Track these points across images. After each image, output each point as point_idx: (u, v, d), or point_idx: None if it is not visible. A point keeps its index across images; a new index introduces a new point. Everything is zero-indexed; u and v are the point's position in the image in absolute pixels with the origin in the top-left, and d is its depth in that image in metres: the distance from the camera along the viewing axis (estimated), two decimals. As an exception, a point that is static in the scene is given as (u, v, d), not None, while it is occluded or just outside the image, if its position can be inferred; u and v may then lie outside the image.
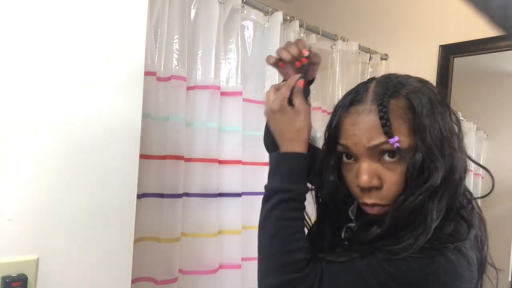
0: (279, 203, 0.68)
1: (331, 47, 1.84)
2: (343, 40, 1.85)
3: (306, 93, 0.88)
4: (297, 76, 0.75)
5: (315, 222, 0.76)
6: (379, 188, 0.62)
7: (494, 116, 1.71)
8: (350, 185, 0.67)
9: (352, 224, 0.72)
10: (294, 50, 0.76)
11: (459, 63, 1.79)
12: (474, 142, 1.74)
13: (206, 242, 1.31)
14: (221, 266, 1.36)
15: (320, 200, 0.74)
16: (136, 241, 1.19)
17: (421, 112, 0.60)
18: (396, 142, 0.59)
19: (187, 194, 1.31)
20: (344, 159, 0.67)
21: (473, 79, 1.80)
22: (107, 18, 0.83)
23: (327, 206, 0.74)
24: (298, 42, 0.78)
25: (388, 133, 0.59)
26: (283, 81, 0.81)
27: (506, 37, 1.57)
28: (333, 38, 1.82)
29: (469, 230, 0.59)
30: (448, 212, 0.60)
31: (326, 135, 0.69)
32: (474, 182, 1.61)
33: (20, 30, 0.73)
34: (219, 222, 1.35)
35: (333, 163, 0.69)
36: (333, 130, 0.67)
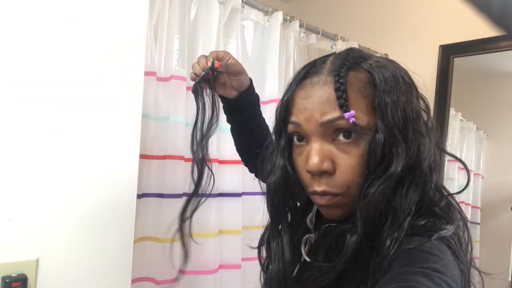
0: None
1: (331, 47, 1.84)
2: (343, 40, 1.85)
3: (243, 104, 0.83)
4: None
5: (267, 231, 0.67)
6: (331, 173, 0.53)
7: (494, 116, 1.71)
8: (300, 172, 0.58)
9: (311, 235, 0.63)
10: (202, 63, 0.74)
11: (459, 63, 1.79)
12: (474, 142, 1.74)
13: (206, 242, 1.31)
14: (221, 266, 1.36)
15: (271, 196, 0.63)
16: (136, 241, 1.19)
17: (383, 88, 0.53)
18: (352, 116, 0.51)
19: (187, 194, 1.31)
20: (295, 141, 0.58)
21: (473, 79, 1.80)
22: (107, 18, 0.83)
23: (280, 210, 0.64)
24: (210, 53, 0.76)
25: (344, 107, 0.51)
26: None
27: (506, 37, 1.57)
28: (333, 38, 1.82)
29: (446, 223, 0.51)
30: (418, 210, 0.52)
31: (277, 114, 0.61)
32: (474, 182, 1.61)
33: (20, 30, 0.73)
34: (219, 222, 1.35)
35: (283, 145, 0.60)
36: (284, 107, 0.58)
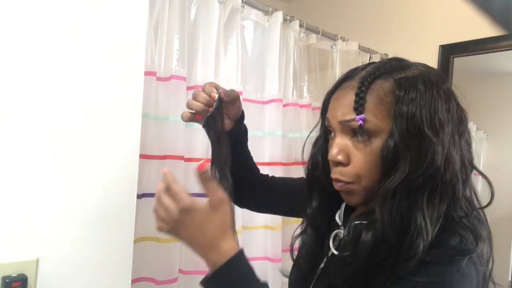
0: None
1: (331, 47, 1.84)
2: (343, 40, 1.85)
3: (240, 135, 0.83)
4: (168, 170, 0.61)
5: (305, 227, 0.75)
6: (345, 165, 0.62)
7: (494, 116, 1.71)
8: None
9: (340, 231, 0.68)
10: (202, 99, 0.74)
11: (459, 63, 1.79)
12: (474, 142, 1.74)
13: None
14: (221, 266, 1.36)
15: (306, 177, 0.74)
16: (136, 241, 1.18)
17: (402, 98, 0.58)
18: (361, 119, 0.58)
19: (187, 194, 1.31)
20: (332, 134, 0.67)
21: (473, 79, 1.81)
22: (107, 18, 0.83)
23: (312, 191, 0.73)
24: (204, 87, 0.76)
25: (357, 110, 0.59)
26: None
27: (506, 37, 1.56)
28: (333, 38, 1.82)
29: (477, 242, 0.55)
30: (448, 220, 0.56)
31: (321, 109, 0.71)
32: (474, 182, 1.61)
33: (20, 30, 0.73)
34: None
35: (319, 136, 0.72)
36: (324, 104, 0.69)
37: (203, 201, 0.60)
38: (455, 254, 0.53)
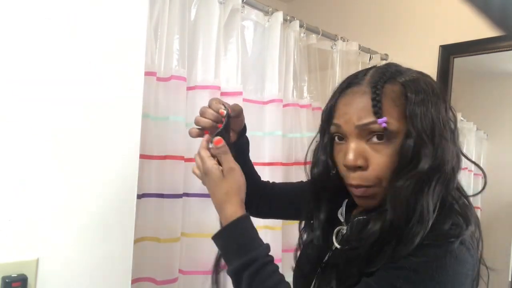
0: (251, 278, 0.63)
1: (331, 47, 1.84)
2: (343, 40, 1.85)
3: (243, 146, 0.85)
4: (207, 137, 0.74)
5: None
6: (364, 169, 0.63)
7: (494, 116, 1.71)
8: (339, 166, 0.68)
9: (343, 227, 0.72)
10: (210, 115, 0.76)
11: (459, 63, 1.79)
12: (474, 142, 1.74)
13: (206, 242, 1.31)
14: (221, 266, 1.36)
15: (313, 184, 0.75)
16: (136, 241, 1.19)
17: (414, 99, 0.61)
18: (384, 122, 0.60)
19: (187, 194, 1.31)
20: (336, 140, 0.68)
21: (473, 79, 1.81)
22: (107, 18, 0.83)
23: (320, 198, 0.75)
24: (211, 103, 0.77)
25: (378, 114, 0.61)
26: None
27: (506, 37, 1.56)
28: (333, 38, 1.82)
29: (467, 225, 0.59)
30: (442, 207, 0.60)
31: (322, 117, 0.72)
32: (474, 182, 1.61)
33: (20, 30, 0.73)
34: (219, 222, 1.35)
35: (326, 143, 0.72)
36: (329, 111, 0.69)
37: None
38: (449, 237, 0.57)
